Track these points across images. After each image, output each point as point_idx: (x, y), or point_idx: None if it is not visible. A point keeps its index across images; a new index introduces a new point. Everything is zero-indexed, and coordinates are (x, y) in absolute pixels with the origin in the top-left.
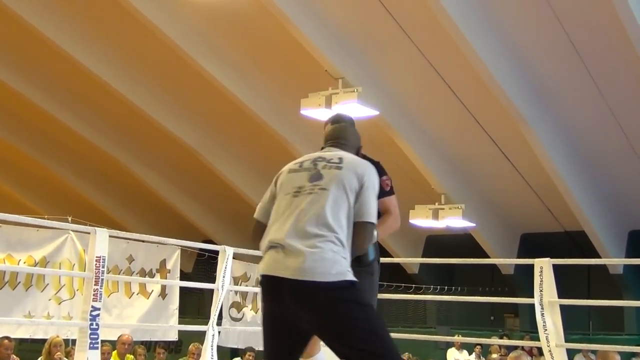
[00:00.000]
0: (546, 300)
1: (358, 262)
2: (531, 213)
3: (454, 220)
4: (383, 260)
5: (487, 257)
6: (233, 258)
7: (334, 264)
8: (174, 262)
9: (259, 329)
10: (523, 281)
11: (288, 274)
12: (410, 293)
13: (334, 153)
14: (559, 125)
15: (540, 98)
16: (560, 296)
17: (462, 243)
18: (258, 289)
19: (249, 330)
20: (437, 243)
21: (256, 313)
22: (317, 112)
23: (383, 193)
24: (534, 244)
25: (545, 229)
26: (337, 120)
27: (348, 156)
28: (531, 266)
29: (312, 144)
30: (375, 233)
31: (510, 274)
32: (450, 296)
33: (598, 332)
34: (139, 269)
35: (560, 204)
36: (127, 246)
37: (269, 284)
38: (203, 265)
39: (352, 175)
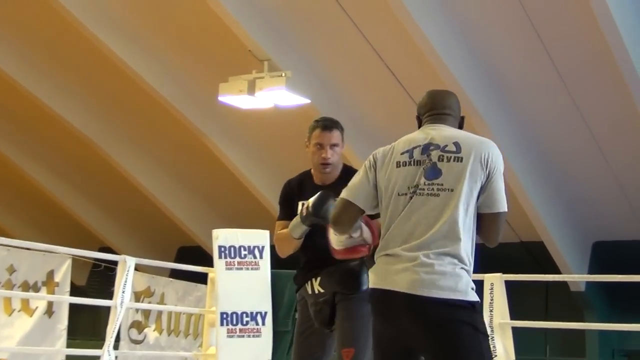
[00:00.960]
0: (497, 321)
1: (349, 289)
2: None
3: None
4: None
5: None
6: (135, 270)
7: (456, 278)
8: (63, 273)
9: (163, 353)
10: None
11: (403, 288)
12: None
13: (445, 134)
14: (516, 120)
15: (497, 90)
16: (513, 316)
17: (517, 256)
18: (163, 307)
19: (151, 354)
20: None
21: (160, 334)
22: (238, 99)
23: None
24: (484, 257)
25: (501, 239)
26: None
27: (463, 138)
28: (479, 282)
29: (232, 136)
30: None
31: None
32: None
33: (556, 358)
34: (22, 281)
35: (516, 211)
36: (7, 254)
37: (380, 297)
38: (99, 278)
39: (477, 166)
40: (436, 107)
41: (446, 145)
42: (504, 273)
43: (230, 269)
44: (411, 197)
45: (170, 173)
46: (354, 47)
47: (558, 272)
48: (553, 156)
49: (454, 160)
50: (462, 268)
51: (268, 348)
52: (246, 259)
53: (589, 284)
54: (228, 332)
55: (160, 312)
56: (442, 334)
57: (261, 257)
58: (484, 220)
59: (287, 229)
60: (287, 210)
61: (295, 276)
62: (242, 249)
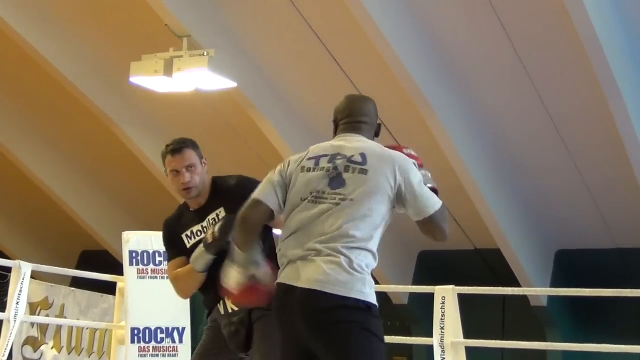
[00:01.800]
0: (448, 340)
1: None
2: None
3: None
4: None
5: (376, 281)
6: (31, 277)
7: (350, 279)
8: None
9: None
10: (420, 314)
11: (301, 284)
12: None
13: (354, 145)
14: (472, 111)
15: (450, 76)
16: (467, 334)
17: (468, 263)
18: (63, 320)
19: None
20: (432, 262)
21: (59, 352)
22: (153, 81)
23: None
24: (434, 266)
25: (450, 246)
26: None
27: (371, 150)
28: (429, 295)
29: (146, 124)
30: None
31: (403, 305)
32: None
33: None
34: None
35: (471, 215)
36: None
37: (280, 292)
38: None
39: (382, 179)
40: (352, 115)
41: (353, 156)
42: (456, 285)
43: (143, 277)
44: (313, 204)
45: (73, 166)
46: (288, 24)
47: (517, 284)
48: (513, 154)
49: (358, 172)
50: (357, 272)
51: None
52: (161, 267)
53: (552, 298)
54: (140, 351)
55: (59, 327)
56: (332, 332)
57: None
58: (423, 227)
59: (187, 266)
60: (176, 250)
61: (204, 300)
62: (156, 254)
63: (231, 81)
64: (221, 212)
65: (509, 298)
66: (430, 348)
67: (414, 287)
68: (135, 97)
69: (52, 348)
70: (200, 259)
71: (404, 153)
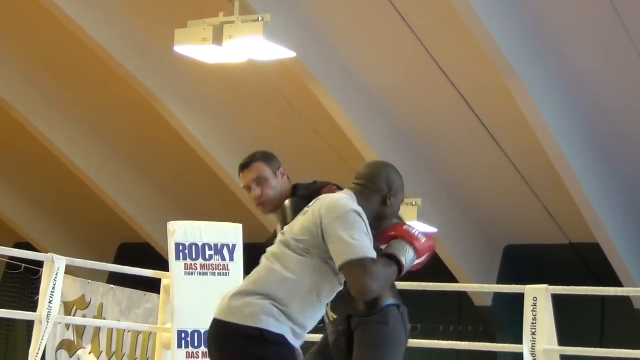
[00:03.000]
0: (541, 347)
1: (370, 308)
2: (522, 217)
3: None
4: None
5: (454, 279)
6: (65, 273)
7: (250, 306)
8: None
9: None
10: (504, 317)
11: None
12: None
13: (325, 196)
14: (564, 81)
15: (539, 40)
16: (561, 340)
17: None
18: (101, 322)
19: None
20: None
21: (98, 358)
22: (200, 50)
23: None
24: (522, 262)
25: (541, 240)
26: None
27: (327, 196)
28: (518, 296)
29: (192, 100)
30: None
31: (486, 306)
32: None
33: None
34: None
35: (564, 203)
36: None
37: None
38: (16, 283)
39: (310, 219)
40: (358, 178)
41: (311, 204)
42: (549, 284)
43: (191, 273)
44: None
45: (110, 148)
46: None
47: (619, 283)
48: (613, 130)
49: (302, 214)
50: (262, 300)
51: None
52: (212, 261)
53: (497, 297)
54: (188, 357)
55: (98, 329)
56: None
57: (232, 259)
58: (343, 274)
59: None
60: None
61: None
62: (206, 247)
63: (289, 50)
64: None
65: (610, 299)
66: (518, 356)
67: (500, 286)
68: (181, 69)
69: (90, 353)
70: None
71: (403, 227)
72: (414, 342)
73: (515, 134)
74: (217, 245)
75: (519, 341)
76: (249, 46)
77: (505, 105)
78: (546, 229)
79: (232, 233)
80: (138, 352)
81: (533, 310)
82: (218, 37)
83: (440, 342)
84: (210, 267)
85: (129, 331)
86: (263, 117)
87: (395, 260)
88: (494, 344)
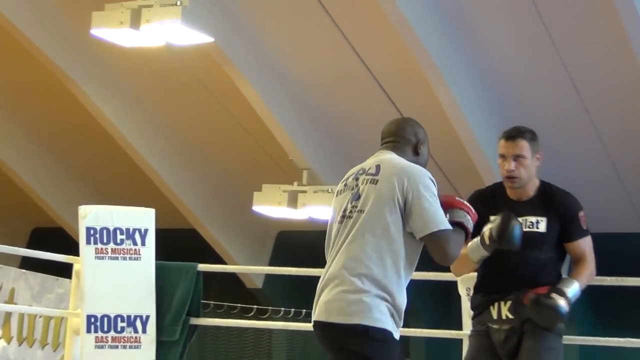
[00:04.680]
0: None
1: (545, 322)
2: None
3: (320, 210)
4: (208, 268)
5: None
6: None
7: (349, 304)
8: None
9: None
10: (418, 303)
11: (322, 318)
12: (251, 317)
13: (375, 159)
14: (480, 70)
15: (455, 28)
16: None
17: None
18: (12, 307)
19: None
20: (292, 243)
21: (8, 343)
22: (117, 33)
23: (578, 232)
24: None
25: None
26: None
27: (387, 161)
28: (426, 283)
29: (108, 83)
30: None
31: None
32: (309, 324)
33: None
34: None
35: None
36: None
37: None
38: None
39: (390, 188)
40: (385, 136)
41: (370, 168)
42: None
43: (102, 258)
44: (341, 223)
45: (25, 131)
46: None
47: None
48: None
49: (370, 183)
50: (365, 291)
51: None
52: (123, 246)
53: None
54: (97, 341)
55: (9, 314)
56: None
57: (143, 243)
58: (426, 244)
59: (465, 249)
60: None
61: (473, 299)
62: (118, 231)
63: (207, 36)
64: (541, 223)
65: None
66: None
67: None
68: (98, 53)
69: (0, 338)
70: (476, 251)
71: (456, 199)
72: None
73: (432, 122)
74: (129, 229)
75: (433, 326)
76: (167, 30)
77: (422, 94)
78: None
79: (144, 218)
80: (50, 337)
81: (469, 296)
82: (135, 21)
83: None
84: (122, 252)
85: (40, 316)
86: (180, 103)
87: (464, 228)
88: (406, 329)
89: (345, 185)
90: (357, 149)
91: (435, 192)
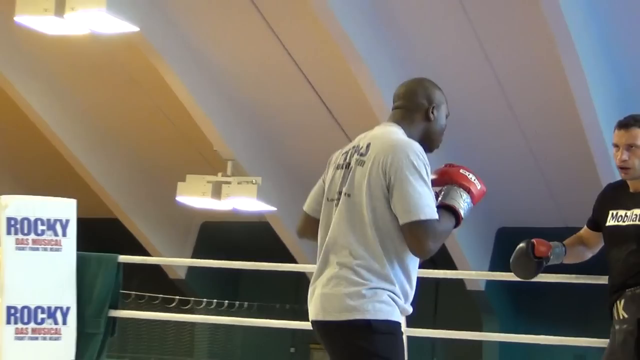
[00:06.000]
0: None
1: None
2: None
3: (244, 201)
4: (129, 259)
5: (292, 258)
6: None
7: (347, 298)
8: None
9: None
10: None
11: (320, 316)
12: (172, 309)
13: (372, 134)
14: (407, 61)
15: (383, 25)
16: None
17: (255, 236)
18: None
19: None
20: (216, 234)
21: None
22: (41, 21)
23: None
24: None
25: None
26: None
27: (379, 138)
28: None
29: (32, 71)
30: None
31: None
32: (232, 317)
33: None
34: None
35: None
36: None
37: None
38: None
39: (376, 170)
40: (395, 100)
41: (362, 148)
42: None
43: (23, 248)
44: (336, 205)
45: None
46: None
47: (452, 266)
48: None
49: (358, 164)
50: (363, 283)
51: (70, 354)
52: (44, 237)
53: (491, 282)
54: (17, 333)
55: None
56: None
57: (64, 234)
58: (403, 232)
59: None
60: (591, 218)
61: (530, 267)
62: (39, 222)
63: (133, 25)
64: None
65: (443, 281)
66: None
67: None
68: (21, 40)
69: None
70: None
71: (459, 172)
72: (250, 321)
73: (358, 116)
74: (50, 220)
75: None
76: (91, 19)
77: (349, 88)
78: None
79: (65, 208)
80: None
81: None
82: (60, 8)
83: (275, 321)
84: (43, 243)
85: None
86: (105, 92)
87: (455, 213)
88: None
89: (345, 159)
90: (282, 141)
91: (424, 172)
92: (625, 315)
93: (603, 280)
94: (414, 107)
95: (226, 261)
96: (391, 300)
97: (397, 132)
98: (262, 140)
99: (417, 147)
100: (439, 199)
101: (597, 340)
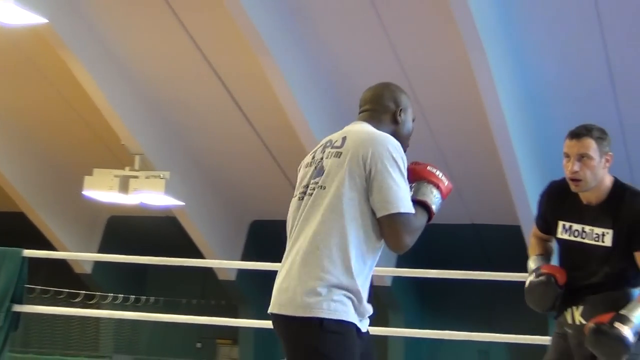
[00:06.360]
0: None
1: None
2: (269, 193)
3: (151, 196)
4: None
5: (199, 253)
6: None
7: (306, 294)
8: None
9: None
10: (248, 292)
11: (275, 309)
12: (78, 304)
13: (344, 129)
14: (318, 58)
15: (294, 21)
16: None
17: (162, 231)
18: None
19: None
20: (124, 228)
21: None
22: None
23: None
24: (269, 238)
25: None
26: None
27: (355, 132)
28: (259, 272)
29: None
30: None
31: (230, 281)
32: (138, 313)
33: None
34: None
35: None
36: None
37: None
38: None
39: (354, 163)
40: (361, 104)
41: (336, 141)
42: None
43: None
44: (300, 199)
45: None
46: None
47: None
48: None
49: (334, 156)
50: (323, 281)
51: None
52: None
53: (398, 278)
54: None
55: None
56: (289, 355)
57: None
58: (380, 226)
59: (532, 247)
60: (540, 221)
61: (556, 299)
62: None
63: (41, 17)
64: (606, 237)
65: None
66: (259, 330)
67: (249, 263)
68: None
69: None
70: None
71: (427, 169)
72: (156, 316)
73: (267, 112)
74: None
75: (261, 316)
76: None
77: (258, 84)
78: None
79: None
80: None
81: None
82: None
83: (182, 316)
84: None
85: None
86: (11, 83)
87: (427, 208)
88: (236, 319)
89: (313, 157)
90: (190, 136)
91: (402, 166)
92: (584, 322)
93: (508, 277)
94: (382, 110)
95: (133, 256)
96: (347, 301)
97: (370, 127)
98: (171, 135)
99: (395, 141)
100: (411, 195)
101: (500, 335)
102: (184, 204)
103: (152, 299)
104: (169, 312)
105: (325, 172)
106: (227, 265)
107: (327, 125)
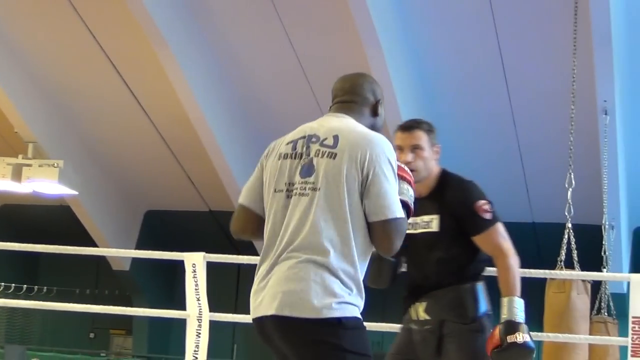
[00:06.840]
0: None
1: (459, 317)
2: (164, 184)
3: (45, 184)
4: None
5: (92, 242)
6: None
7: (317, 296)
8: None
9: None
10: (142, 282)
11: (270, 312)
12: None
13: (331, 125)
14: (216, 50)
15: (191, 12)
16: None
17: (56, 220)
18: None
19: None
20: (16, 217)
21: None
22: None
23: (478, 225)
24: (164, 228)
25: (182, 206)
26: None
27: (346, 132)
28: (153, 262)
29: None
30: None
31: (123, 271)
32: (30, 301)
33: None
34: None
35: (208, 174)
36: None
37: (256, 329)
38: None
39: (351, 165)
40: (340, 94)
41: (326, 139)
42: (189, 250)
43: None
44: (288, 196)
45: None
46: None
47: (254, 251)
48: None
49: (327, 156)
50: (331, 279)
51: None
52: None
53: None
54: None
55: None
56: (305, 355)
57: None
58: (372, 230)
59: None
60: None
61: (403, 298)
62: None
63: None
64: (433, 222)
65: (244, 267)
66: (152, 321)
67: (146, 252)
68: None
69: None
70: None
71: (399, 167)
72: (48, 305)
73: (164, 103)
74: None
75: (155, 306)
76: None
77: (155, 75)
78: (187, 197)
79: None
80: None
81: (194, 277)
82: None
83: (75, 305)
84: None
85: None
86: None
87: (406, 207)
88: (129, 308)
89: (293, 149)
90: (85, 125)
91: (395, 169)
92: (427, 317)
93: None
94: (361, 102)
95: (24, 244)
96: (356, 298)
97: (359, 125)
98: (65, 124)
99: (388, 142)
100: None
101: (395, 325)
102: (77, 193)
103: (45, 288)
104: (61, 302)
105: (319, 172)
106: (121, 253)
107: (223, 117)
